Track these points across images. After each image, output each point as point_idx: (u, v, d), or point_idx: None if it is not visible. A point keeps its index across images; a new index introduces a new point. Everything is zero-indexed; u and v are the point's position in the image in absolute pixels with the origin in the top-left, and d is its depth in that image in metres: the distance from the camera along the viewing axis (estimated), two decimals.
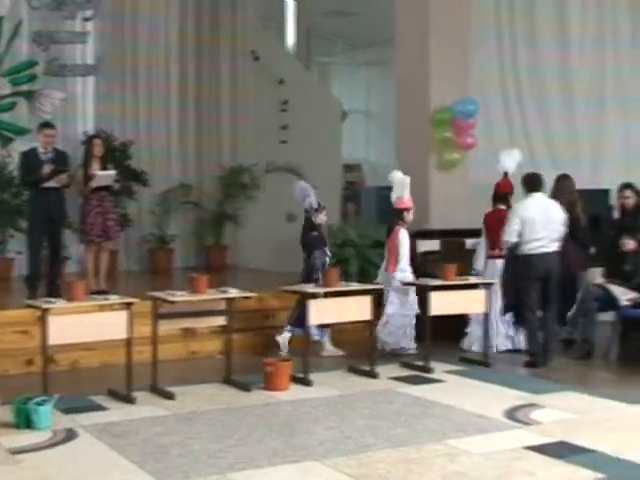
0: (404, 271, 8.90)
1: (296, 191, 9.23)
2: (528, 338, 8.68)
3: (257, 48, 14.20)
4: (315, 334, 8.64)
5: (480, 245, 9.38)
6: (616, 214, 9.51)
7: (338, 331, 9.13)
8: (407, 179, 9.12)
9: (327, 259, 9.01)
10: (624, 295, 8.66)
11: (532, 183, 8.64)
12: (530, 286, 8.41)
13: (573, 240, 8.99)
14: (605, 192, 11.07)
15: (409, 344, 8.92)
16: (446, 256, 9.56)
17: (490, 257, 9.19)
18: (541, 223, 8.38)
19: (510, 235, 8.45)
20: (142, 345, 7.36)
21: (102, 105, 13.20)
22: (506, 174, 9.47)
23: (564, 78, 11.73)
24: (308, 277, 8.74)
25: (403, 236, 8.96)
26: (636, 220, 9.33)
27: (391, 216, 9.25)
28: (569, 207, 8.97)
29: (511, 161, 9.44)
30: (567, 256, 8.79)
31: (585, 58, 11.87)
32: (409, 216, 9.09)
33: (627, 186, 9.52)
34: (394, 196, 9.14)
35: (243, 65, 14.31)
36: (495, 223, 9.00)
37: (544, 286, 8.44)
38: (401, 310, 8.86)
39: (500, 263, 8.93)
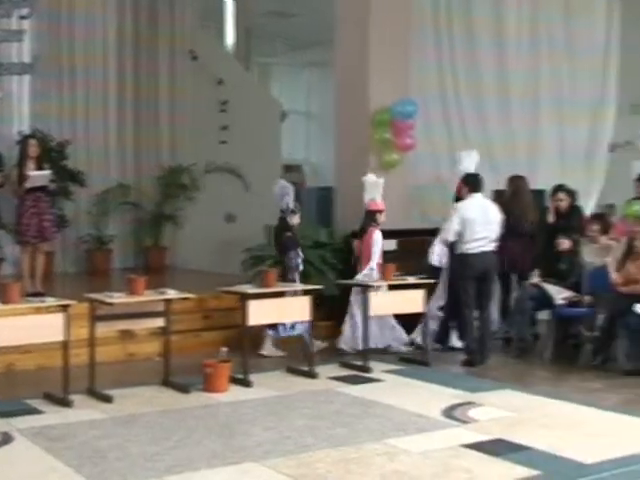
0: (372, 270, 9.00)
1: (276, 189, 9.36)
2: (465, 337, 8.78)
3: (196, 48, 14.13)
4: (299, 329, 8.80)
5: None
6: (550, 217, 9.64)
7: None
8: (380, 181, 9.28)
9: (300, 260, 9.12)
10: (559, 294, 8.80)
11: (473, 184, 8.78)
12: (467, 285, 8.51)
13: (531, 239, 9.21)
14: (540, 193, 11.22)
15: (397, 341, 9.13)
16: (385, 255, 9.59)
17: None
18: (480, 224, 8.49)
19: (449, 234, 8.54)
20: (79, 347, 7.28)
21: (38, 104, 13.00)
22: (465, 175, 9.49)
23: (500, 79, 11.84)
24: (284, 278, 8.77)
25: (377, 237, 9.09)
26: (569, 221, 9.49)
27: (364, 218, 9.33)
28: (528, 207, 9.17)
29: (470, 162, 9.55)
30: (525, 254, 8.98)
31: (521, 60, 12.00)
32: (382, 218, 9.21)
33: (560, 188, 9.68)
34: (367, 198, 9.28)
35: (182, 64, 14.24)
36: None
37: (481, 285, 8.54)
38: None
39: None
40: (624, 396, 7.25)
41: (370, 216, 9.19)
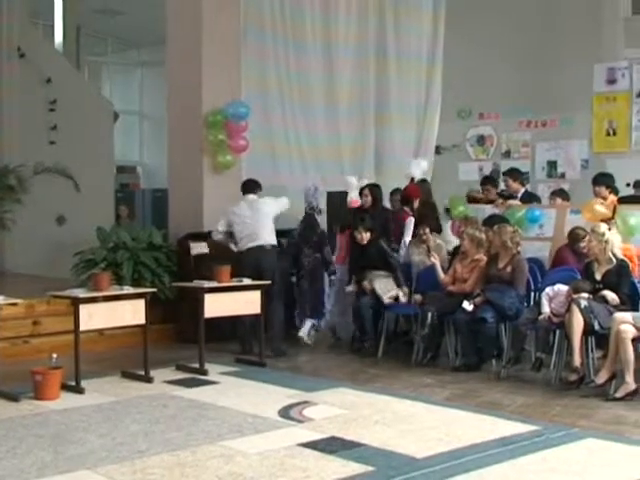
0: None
1: (308, 188, 9.90)
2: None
3: (23, 45, 13.72)
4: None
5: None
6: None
7: (110, 336, 8.97)
8: (364, 181, 10.36)
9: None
10: (386, 294, 9.01)
11: (246, 187, 9.54)
12: None
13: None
14: None
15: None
16: (217, 258, 9.58)
17: None
18: (250, 222, 9.18)
19: (214, 234, 9.47)
20: None
21: None
22: (412, 180, 10.43)
23: (329, 83, 12.00)
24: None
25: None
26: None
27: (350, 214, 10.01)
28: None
29: (418, 169, 10.58)
30: None
31: (348, 64, 12.19)
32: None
33: (396, 191, 10.26)
34: (350, 197, 10.18)
35: (8, 63, 13.76)
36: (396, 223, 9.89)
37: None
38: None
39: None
40: (452, 391, 7.49)
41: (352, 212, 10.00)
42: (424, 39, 12.86)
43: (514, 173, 10.52)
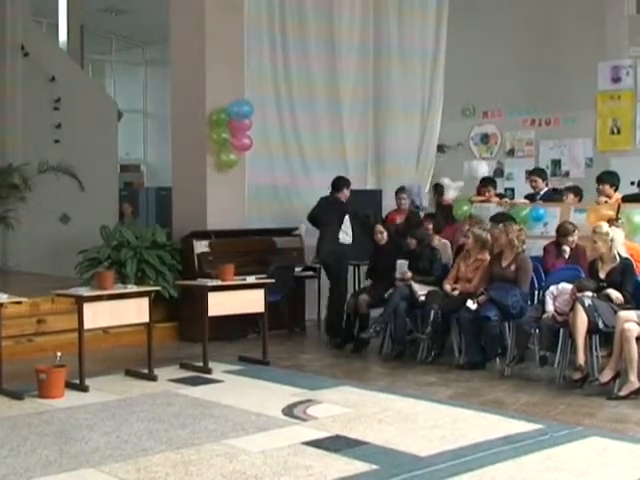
0: None
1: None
2: None
3: (27, 44, 13.72)
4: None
5: None
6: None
7: (114, 335, 8.98)
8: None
9: None
10: (421, 291, 8.96)
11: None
12: None
13: None
14: (375, 192, 11.51)
15: None
16: (221, 256, 9.59)
17: None
18: None
19: None
20: None
21: None
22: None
23: (332, 83, 11.98)
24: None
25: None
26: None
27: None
28: None
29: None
30: None
31: (352, 63, 12.18)
32: None
33: (402, 189, 10.21)
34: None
35: (12, 61, 13.77)
36: None
37: None
38: None
39: None
40: (456, 390, 7.49)
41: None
42: (427, 37, 12.84)
43: (541, 173, 10.58)
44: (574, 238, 8.43)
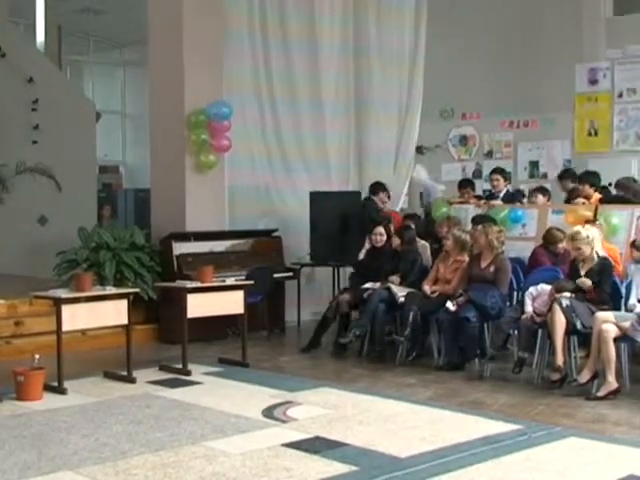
0: None
1: (427, 187, 11.08)
2: None
3: (4, 44, 13.61)
4: None
5: None
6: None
7: (93, 337, 8.94)
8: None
9: None
10: (401, 292, 8.98)
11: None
12: None
13: None
14: (355, 194, 11.52)
15: None
16: (200, 258, 9.57)
17: None
18: None
19: None
20: None
21: None
22: None
23: (313, 83, 11.98)
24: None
25: None
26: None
27: None
28: None
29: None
30: None
31: (332, 64, 12.19)
32: None
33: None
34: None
35: None
36: None
37: None
38: None
39: None
40: (436, 391, 7.50)
41: None
42: (406, 38, 12.87)
43: (503, 172, 10.72)
44: (563, 244, 8.45)
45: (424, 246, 9.64)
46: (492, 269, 8.40)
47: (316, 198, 10.99)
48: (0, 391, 7.17)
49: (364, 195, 11.32)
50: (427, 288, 8.75)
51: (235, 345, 8.97)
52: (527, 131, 13.95)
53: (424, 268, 9.21)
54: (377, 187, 11.01)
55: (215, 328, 9.33)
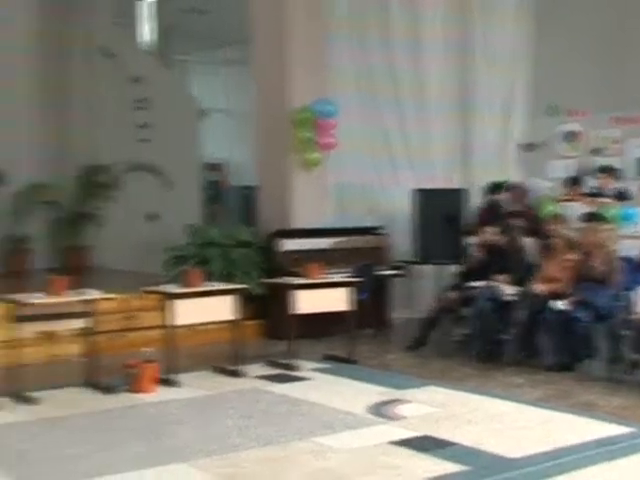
0: None
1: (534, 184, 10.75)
2: None
3: (112, 45, 13.94)
4: None
5: None
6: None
7: (201, 331, 9.08)
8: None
9: None
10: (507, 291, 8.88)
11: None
12: None
13: None
14: (458, 192, 11.42)
15: None
16: (307, 255, 9.62)
17: None
18: None
19: None
20: None
21: None
22: None
23: (417, 82, 11.91)
24: None
25: None
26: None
27: None
28: None
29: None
30: None
31: (436, 62, 12.09)
32: None
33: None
34: None
35: (99, 62, 14.02)
36: None
37: None
38: None
39: None
40: (545, 391, 7.38)
41: None
42: (511, 38, 12.69)
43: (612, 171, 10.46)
44: None
45: (530, 243, 9.49)
46: (603, 268, 8.22)
47: (420, 195, 10.93)
48: (114, 383, 7.35)
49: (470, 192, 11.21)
50: (538, 287, 8.57)
51: (341, 342, 8.98)
52: (636, 127, 13.59)
53: (530, 266, 9.06)
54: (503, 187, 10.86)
55: (322, 325, 9.35)
